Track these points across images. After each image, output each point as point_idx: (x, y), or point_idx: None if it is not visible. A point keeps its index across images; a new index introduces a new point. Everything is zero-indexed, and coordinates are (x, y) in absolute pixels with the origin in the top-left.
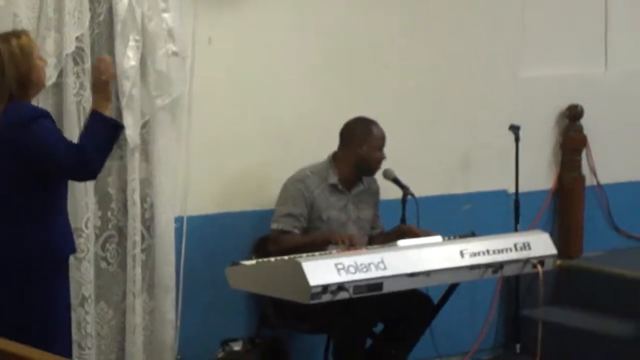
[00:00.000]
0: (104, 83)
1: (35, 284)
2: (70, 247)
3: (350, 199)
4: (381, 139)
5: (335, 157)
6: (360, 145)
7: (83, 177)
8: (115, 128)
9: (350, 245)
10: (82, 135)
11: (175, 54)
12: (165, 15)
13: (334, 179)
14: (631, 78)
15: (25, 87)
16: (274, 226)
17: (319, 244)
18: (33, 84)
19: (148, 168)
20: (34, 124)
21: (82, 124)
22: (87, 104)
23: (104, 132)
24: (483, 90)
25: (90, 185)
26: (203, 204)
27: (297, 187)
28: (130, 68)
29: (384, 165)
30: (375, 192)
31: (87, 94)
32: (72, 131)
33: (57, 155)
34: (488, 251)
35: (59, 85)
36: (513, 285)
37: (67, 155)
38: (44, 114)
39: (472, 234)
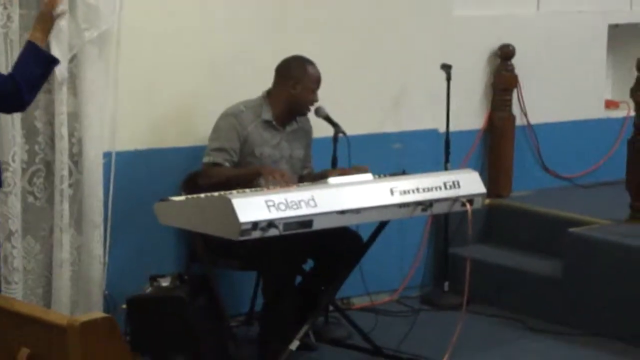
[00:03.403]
0: (51, 17)
1: None
2: None
3: (284, 136)
4: (316, 81)
5: (269, 94)
6: (294, 85)
7: (12, 108)
8: (49, 62)
9: (280, 182)
10: (15, 66)
11: None
12: None
13: (268, 115)
14: (563, 18)
15: None
16: (206, 159)
17: (249, 177)
18: None
19: (76, 102)
20: None
21: (8, 55)
22: (14, 36)
23: (37, 64)
24: (415, 28)
25: (17, 118)
26: (132, 139)
27: (230, 121)
28: None
29: (315, 103)
30: (308, 132)
31: (15, 26)
32: None
33: None
34: (418, 189)
35: None
36: (442, 223)
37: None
38: None
39: (403, 173)
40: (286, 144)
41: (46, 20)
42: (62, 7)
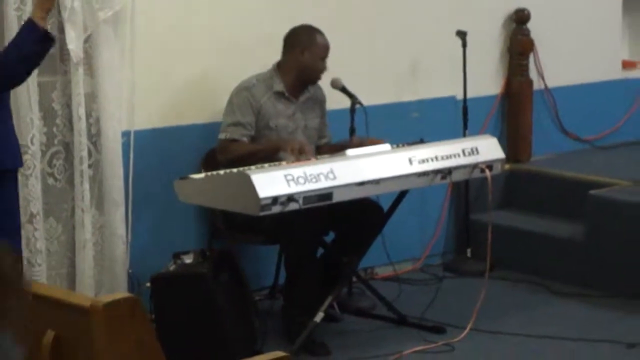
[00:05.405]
0: None
1: None
2: (16, 161)
3: (298, 107)
4: (324, 49)
5: (279, 65)
6: (302, 52)
7: (5, 84)
8: (45, 39)
9: (300, 153)
10: (10, 42)
11: None
12: None
13: (279, 86)
14: None
15: None
16: (222, 136)
17: (269, 152)
18: None
19: (92, 82)
20: None
21: None
22: (28, 14)
23: (33, 40)
24: None
25: (34, 101)
26: (150, 117)
27: (243, 95)
28: None
29: (331, 74)
30: (322, 100)
31: (28, 9)
32: None
33: None
34: (436, 157)
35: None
36: (463, 190)
37: None
38: None
39: (421, 141)
40: (300, 115)
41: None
42: None
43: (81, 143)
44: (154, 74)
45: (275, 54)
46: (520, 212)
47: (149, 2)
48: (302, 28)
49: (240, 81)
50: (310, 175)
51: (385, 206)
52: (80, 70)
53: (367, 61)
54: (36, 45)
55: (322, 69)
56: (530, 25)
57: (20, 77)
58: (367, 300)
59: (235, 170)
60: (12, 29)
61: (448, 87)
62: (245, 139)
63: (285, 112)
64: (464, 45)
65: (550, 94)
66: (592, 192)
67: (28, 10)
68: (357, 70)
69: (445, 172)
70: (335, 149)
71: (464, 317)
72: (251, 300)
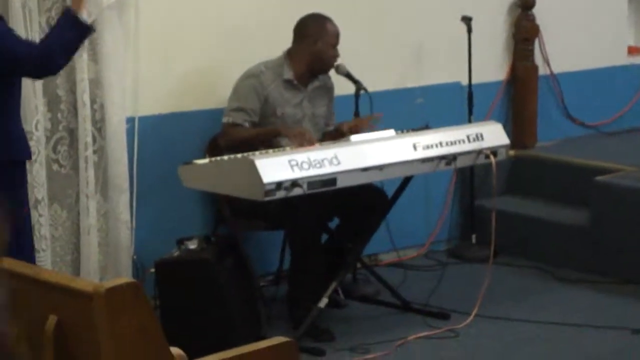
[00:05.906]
0: None
1: None
2: (26, 152)
3: (306, 95)
4: (335, 36)
5: (289, 54)
6: (314, 42)
7: (44, 72)
8: (84, 28)
9: (302, 141)
10: (50, 32)
11: None
12: None
13: (289, 74)
14: None
15: None
16: (225, 120)
17: (269, 136)
18: None
19: (97, 68)
20: None
21: (28, 27)
22: (33, 4)
23: (72, 31)
24: None
25: (38, 87)
26: (154, 103)
27: (250, 82)
28: None
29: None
30: (330, 89)
31: (33, 2)
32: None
33: (19, 54)
34: (441, 143)
35: None
36: (467, 176)
37: (31, 53)
38: None
39: (426, 127)
40: (308, 103)
41: None
42: None
43: (86, 129)
44: (158, 60)
45: (279, 41)
46: (525, 198)
47: None
48: (312, 17)
49: (246, 68)
50: (314, 160)
51: (390, 192)
52: (85, 56)
53: (372, 47)
54: (78, 37)
55: (335, 56)
56: (535, 10)
57: (59, 68)
58: (372, 287)
59: (239, 155)
60: (17, 19)
61: (453, 73)
62: (247, 125)
63: (293, 101)
64: (469, 30)
65: (556, 79)
66: (597, 178)
67: (32, 4)
68: (362, 56)
69: (450, 158)
70: (332, 135)
71: (469, 303)
72: (256, 285)
